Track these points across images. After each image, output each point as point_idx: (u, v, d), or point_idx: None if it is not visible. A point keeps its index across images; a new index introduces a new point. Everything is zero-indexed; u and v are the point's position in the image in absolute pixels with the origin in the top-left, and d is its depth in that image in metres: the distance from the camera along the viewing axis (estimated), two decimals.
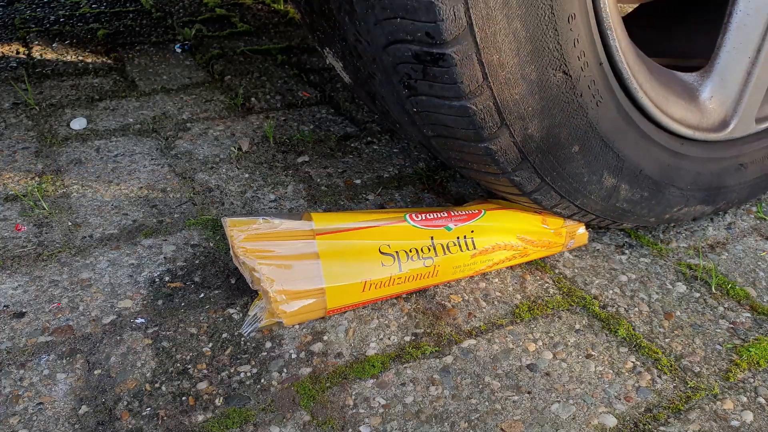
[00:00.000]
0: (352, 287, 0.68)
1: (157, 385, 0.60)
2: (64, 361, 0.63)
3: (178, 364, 0.63)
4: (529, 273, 0.78)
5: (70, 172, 0.97)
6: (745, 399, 0.61)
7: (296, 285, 0.66)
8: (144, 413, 0.57)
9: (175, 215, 0.88)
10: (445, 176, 1.01)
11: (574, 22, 0.58)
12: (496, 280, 0.77)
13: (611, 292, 0.76)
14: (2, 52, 1.43)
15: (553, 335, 0.68)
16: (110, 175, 0.96)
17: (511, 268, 0.79)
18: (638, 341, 0.68)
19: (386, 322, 0.70)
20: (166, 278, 0.75)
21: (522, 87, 0.58)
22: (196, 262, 0.78)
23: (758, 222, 0.91)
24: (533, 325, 0.70)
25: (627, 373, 0.64)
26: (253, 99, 1.28)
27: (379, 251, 0.70)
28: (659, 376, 0.63)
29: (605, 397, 0.61)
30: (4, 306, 0.70)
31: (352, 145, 1.11)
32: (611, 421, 0.58)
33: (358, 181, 0.99)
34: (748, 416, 0.59)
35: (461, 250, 0.73)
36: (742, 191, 0.86)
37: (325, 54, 0.74)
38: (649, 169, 0.74)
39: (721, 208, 0.86)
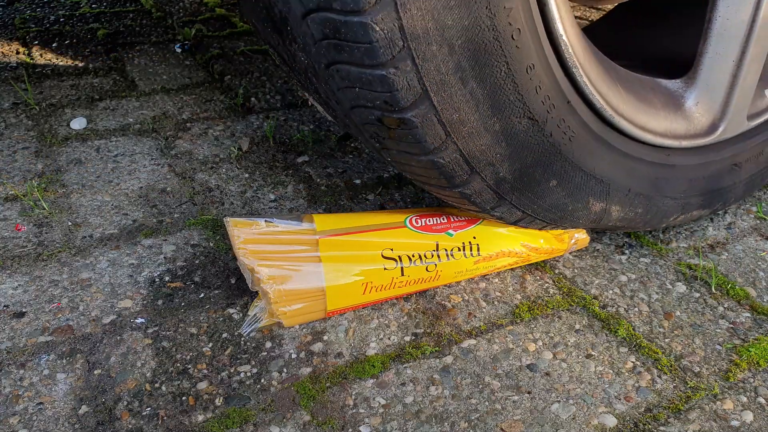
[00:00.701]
0: (353, 289, 0.68)
1: (157, 385, 0.60)
2: (64, 361, 0.63)
3: (178, 364, 0.63)
4: (529, 273, 0.78)
5: (70, 171, 0.97)
6: (745, 399, 0.61)
7: (296, 285, 0.66)
8: (144, 413, 0.57)
9: (175, 215, 0.88)
10: None
11: (533, 71, 0.57)
12: (496, 280, 0.77)
13: (611, 292, 0.76)
14: (2, 52, 1.43)
15: (552, 335, 0.68)
16: (110, 175, 0.96)
17: (512, 268, 0.79)
18: (638, 341, 0.68)
19: (386, 322, 0.70)
20: (166, 278, 0.75)
21: (487, 137, 0.58)
22: (196, 262, 0.78)
23: (758, 222, 0.91)
24: (533, 326, 0.70)
25: (627, 373, 0.64)
26: (253, 99, 1.28)
27: (382, 255, 0.69)
28: (659, 376, 0.63)
29: (605, 397, 0.61)
30: (4, 306, 0.70)
31: (352, 145, 1.11)
32: (611, 421, 0.58)
33: (358, 181, 0.99)
34: (748, 416, 0.59)
35: (465, 257, 0.73)
36: (737, 190, 0.85)
37: (306, 96, 0.75)
38: (637, 186, 0.73)
39: (719, 208, 0.85)
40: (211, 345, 0.65)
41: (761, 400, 0.61)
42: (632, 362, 0.65)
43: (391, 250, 0.70)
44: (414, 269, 0.70)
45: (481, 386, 0.61)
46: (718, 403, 0.61)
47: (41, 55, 1.43)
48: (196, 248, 0.80)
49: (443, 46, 0.52)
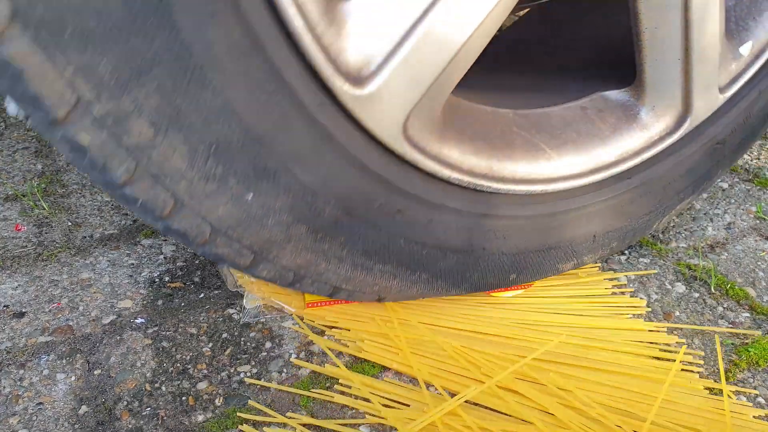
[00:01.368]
0: None
1: (157, 385, 0.60)
2: (64, 361, 0.63)
3: (178, 364, 0.63)
4: None
5: (70, 172, 0.97)
6: (744, 399, 0.61)
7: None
8: (144, 413, 0.57)
9: None
10: None
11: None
12: None
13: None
14: None
15: None
16: None
17: None
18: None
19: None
20: (166, 278, 0.75)
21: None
22: (196, 262, 0.78)
23: (758, 222, 0.91)
24: None
25: None
26: None
27: None
28: None
29: None
30: (4, 306, 0.70)
31: None
32: None
33: None
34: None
35: None
36: (725, 164, 0.80)
37: None
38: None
39: (707, 187, 0.81)
40: (211, 345, 0.65)
41: (761, 400, 0.61)
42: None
43: None
44: None
45: None
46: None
47: None
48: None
49: None
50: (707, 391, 0.61)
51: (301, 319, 0.68)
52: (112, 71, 0.38)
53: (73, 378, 0.61)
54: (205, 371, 0.62)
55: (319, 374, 0.62)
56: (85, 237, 0.82)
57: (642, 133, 0.67)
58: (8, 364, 0.62)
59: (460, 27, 0.48)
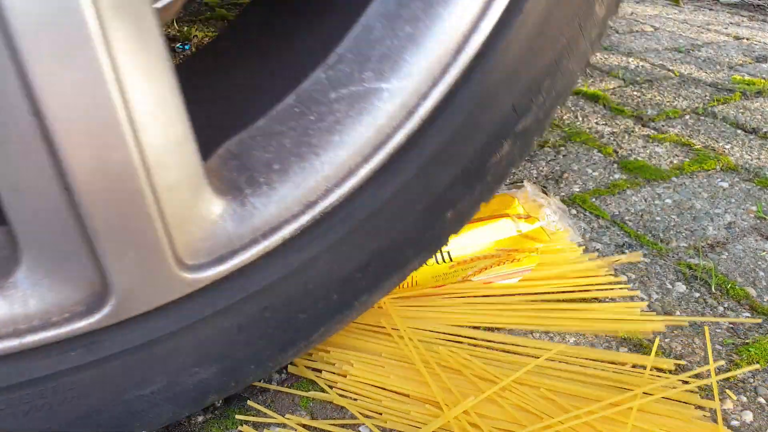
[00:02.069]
0: None
1: None
2: None
3: None
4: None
5: None
6: (745, 399, 0.61)
7: None
8: None
9: None
10: None
11: None
12: None
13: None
14: None
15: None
16: None
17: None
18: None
19: None
20: None
21: None
22: None
23: (758, 222, 0.91)
24: None
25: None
26: None
27: None
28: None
29: None
30: None
31: None
32: None
33: None
34: (748, 416, 0.59)
35: (437, 263, 0.74)
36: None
37: None
38: None
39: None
40: None
41: (761, 400, 0.61)
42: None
43: None
44: None
45: None
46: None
47: None
48: None
49: None
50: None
51: None
52: None
53: None
54: None
55: (319, 374, 0.62)
56: None
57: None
58: None
59: None
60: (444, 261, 0.75)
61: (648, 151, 1.12)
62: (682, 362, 0.65)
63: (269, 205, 0.45)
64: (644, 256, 0.82)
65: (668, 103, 1.36)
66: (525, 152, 0.55)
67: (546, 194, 0.89)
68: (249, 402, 0.59)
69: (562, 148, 1.13)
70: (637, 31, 1.96)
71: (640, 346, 0.67)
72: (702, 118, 1.28)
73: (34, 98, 0.34)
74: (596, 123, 1.25)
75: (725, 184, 1.01)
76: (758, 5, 2.38)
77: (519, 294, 0.73)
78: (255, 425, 0.57)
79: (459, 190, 0.52)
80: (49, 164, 0.36)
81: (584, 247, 0.83)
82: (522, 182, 0.92)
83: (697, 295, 0.75)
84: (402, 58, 0.45)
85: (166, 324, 0.46)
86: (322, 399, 0.59)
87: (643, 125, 1.24)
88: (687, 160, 1.09)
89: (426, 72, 0.46)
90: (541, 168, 1.05)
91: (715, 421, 0.57)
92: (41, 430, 0.45)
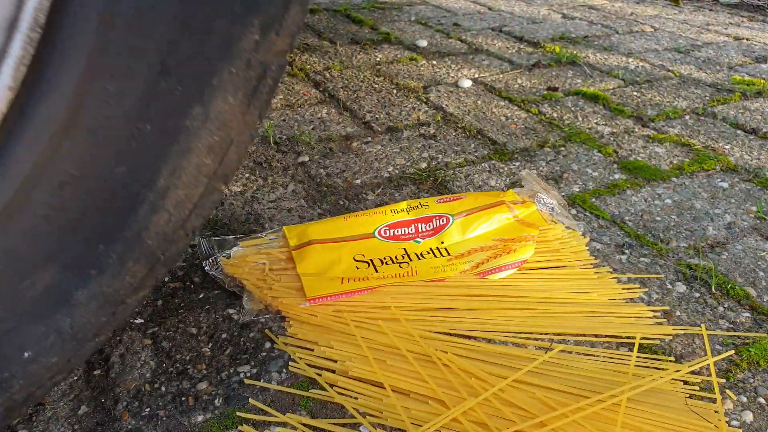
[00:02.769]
0: (328, 276, 0.72)
1: (156, 386, 0.60)
2: None
3: (178, 365, 0.63)
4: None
5: None
6: (745, 399, 0.61)
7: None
8: (144, 413, 0.57)
9: None
10: (446, 176, 1.01)
11: None
12: None
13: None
14: None
15: None
16: None
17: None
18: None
19: None
20: (166, 278, 0.75)
21: None
22: (196, 262, 0.78)
23: (758, 222, 0.91)
24: None
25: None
26: None
27: (354, 259, 0.75)
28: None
29: None
30: None
31: (353, 145, 1.11)
32: None
33: (358, 181, 0.98)
34: (748, 416, 0.59)
35: (435, 257, 0.77)
36: None
37: None
38: None
39: None
40: (210, 345, 0.65)
41: (761, 400, 0.61)
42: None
43: (363, 255, 0.76)
44: (387, 267, 0.74)
45: None
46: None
47: None
48: (196, 248, 0.80)
49: None
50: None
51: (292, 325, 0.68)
52: None
53: (72, 378, 0.61)
54: (205, 371, 0.62)
55: (319, 373, 0.62)
56: None
57: None
58: None
59: None
60: (442, 255, 0.76)
61: (648, 151, 1.12)
62: (682, 362, 0.65)
63: None
64: (644, 256, 0.82)
65: (668, 104, 1.36)
66: None
67: (540, 182, 0.90)
68: (250, 400, 0.59)
69: (562, 148, 1.13)
70: (637, 32, 1.96)
71: (640, 345, 0.67)
72: (702, 118, 1.28)
73: None
74: (596, 123, 1.25)
75: (725, 185, 1.01)
76: (758, 5, 2.38)
77: (525, 297, 0.73)
78: (255, 424, 0.57)
79: None
80: None
81: (587, 239, 0.83)
82: (521, 182, 0.92)
83: (697, 295, 0.75)
84: None
85: None
86: (322, 398, 0.59)
87: (643, 125, 1.24)
88: (687, 160, 1.09)
89: None
90: (541, 168, 1.05)
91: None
92: None
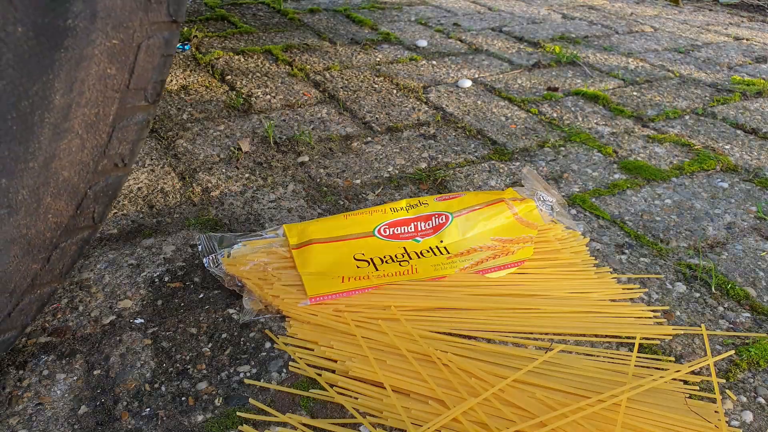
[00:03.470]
0: (329, 275, 0.72)
1: (156, 386, 0.60)
2: (64, 361, 0.63)
3: (178, 365, 0.63)
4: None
5: None
6: (745, 399, 0.61)
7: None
8: (144, 413, 0.57)
9: (175, 215, 0.88)
10: (446, 176, 1.01)
11: None
12: None
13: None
14: None
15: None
16: None
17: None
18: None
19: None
20: (166, 278, 0.75)
21: None
22: (196, 262, 0.78)
23: (758, 222, 0.91)
24: None
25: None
26: (253, 99, 1.28)
27: (354, 258, 0.75)
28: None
29: None
30: None
31: (353, 145, 1.11)
32: None
33: (358, 181, 0.98)
34: (748, 416, 0.59)
35: (435, 255, 0.77)
36: None
37: None
38: None
39: None
40: (210, 345, 0.65)
41: (761, 400, 0.61)
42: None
43: (363, 254, 0.76)
44: (387, 266, 0.74)
45: None
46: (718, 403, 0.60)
47: None
48: (196, 248, 0.80)
49: None
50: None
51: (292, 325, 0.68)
52: None
53: (72, 378, 0.61)
54: (205, 371, 0.62)
55: (319, 373, 0.62)
56: None
57: None
58: (8, 364, 0.62)
59: None
60: (441, 253, 0.76)
61: (648, 151, 1.12)
62: (682, 362, 0.65)
63: None
64: (644, 256, 0.82)
65: (668, 104, 1.36)
66: None
67: (539, 180, 0.90)
68: (250, 400, 0.59)
69: (562, 148, 1.13)
70: (637, 32, 1.96)
71: (640, 345, 0.67)
72: (702, 118, 1.28)
73: None
74: (596, 123, 1.25)
75: (725, 185, 1.01)
76: (758, 5, 2.38)
77: (525, 297, 0.73)
78: (255, 424, 0.57)
79: None
80: None
81: (587, 239, 0.83)
82: (522, 180, 0.92)
83: (697, 295, 0.75)
84: None
85: None
86: (322, 398, 0.59)
87: (643, 125, 1.24)
88: (687, 160, 1.09)
89: None
90: (541, 168, 1.05)
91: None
92: None
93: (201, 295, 0.72)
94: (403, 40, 1.76)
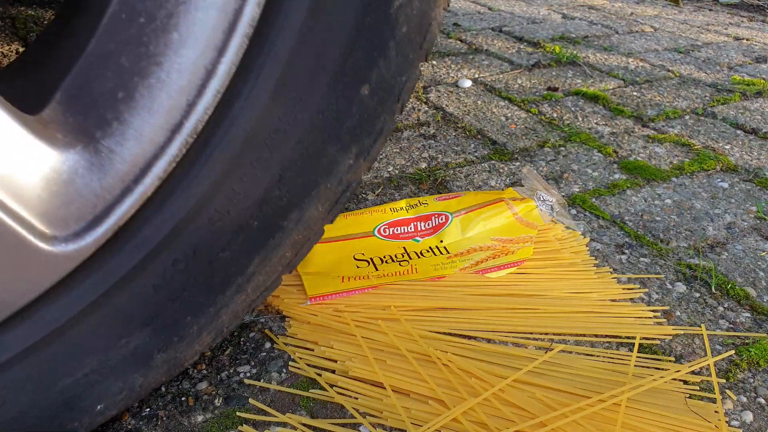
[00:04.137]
0: (328, 275, 0.72)
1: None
2: None
3: None
4: None
5: None
6: (745, 399, 0.61)
7: None
8: (143, 413, 0.57)
9: None
10: (446, 176, 1.01)
11: None
12: None
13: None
14: (2, 52, 1.43)
15: None
16: None
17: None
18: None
19: None
20: None
21: None
22: None
23: (758, 222, 0.91)
24: None
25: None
26: None
27: (354, 257, 0.75)
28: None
29: None
30: None
31: None
32: None
33: None
34: (748, 416, 0.59)
35: (434, 255, 0.77)
36: None
37: None
38: None
39: None
40: None
41: (761, 400, 0.61)
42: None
43: (363, 254, 0.76)
44: (387, 266, 0.74)
45: None
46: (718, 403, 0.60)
47: None
48: None
49: None
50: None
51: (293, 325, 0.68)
52: None
53: None
54: (205, 371, 0.62)
55: (319, 373, 0.62)
56: None
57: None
58: None
59: None
60: (441, 253, 0.76)
61: (648, 151, 1.12)
62: (682, 362, 0.65)
63: (125, 143, 0.39)
64: (644, 256, 0.82)
65: (668, 104, 1.36)
66: None
67: (540, 181, 0.90)
68: (250, 400, 0.59)
69: (562, 148, 1.13)
70: (637, 32, 1.96)
71: (640, 345, 0.67)
72: (702, 118, 1.28)
73: None
74: (596, 123, 1.25)
75: (725, 185, 1.01)
76: (758, 5, 2.38)
77: (525, 297, 0.73)
78: (255, 424, 0.57)
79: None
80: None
81: (587, 239, 0.83)
82: (522, 179, 0.92)
83: (697, 295, 0.75)
84: None
85: (64, 307, 0.43)
86: (322, 398, 0.59)
87: (643, 125, 1.24)
88: (687, 160, 1.09)
89: None
90: (541, 168, 1.05)
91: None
92: None
93: None
94: None
